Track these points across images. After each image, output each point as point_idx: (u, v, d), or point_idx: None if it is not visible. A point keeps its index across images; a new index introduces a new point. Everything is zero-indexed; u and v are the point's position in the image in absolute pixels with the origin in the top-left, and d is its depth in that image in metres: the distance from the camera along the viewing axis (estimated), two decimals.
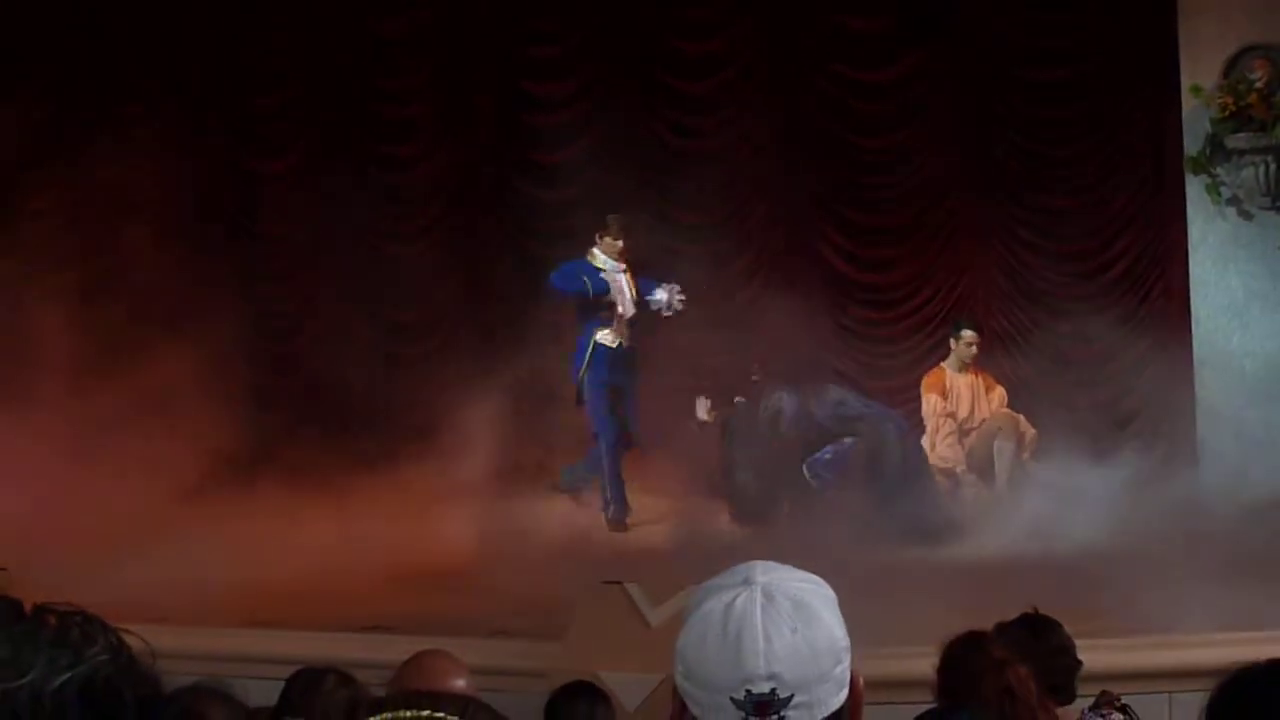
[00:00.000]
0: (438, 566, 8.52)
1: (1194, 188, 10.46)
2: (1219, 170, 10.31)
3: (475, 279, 12.03)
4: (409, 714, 1.43)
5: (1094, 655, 4.40)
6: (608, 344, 10.18)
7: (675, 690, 1.73)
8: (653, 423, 10.36)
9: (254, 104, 12.54)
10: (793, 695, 1.65)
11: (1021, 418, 10.50)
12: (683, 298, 10.12)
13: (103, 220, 11.59)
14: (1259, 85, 10.11)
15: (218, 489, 10.06)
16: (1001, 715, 3.45)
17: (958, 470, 10.29)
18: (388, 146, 12.46)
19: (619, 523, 10.00)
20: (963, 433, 10.50)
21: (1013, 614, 4.24)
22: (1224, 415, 10.27)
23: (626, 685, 5.28)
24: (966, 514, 9.62)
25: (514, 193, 12.01)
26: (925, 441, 10.33)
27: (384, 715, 1.43)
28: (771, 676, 1.64)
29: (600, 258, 10.25)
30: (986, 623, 4.04)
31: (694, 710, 1.70)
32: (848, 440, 9.42)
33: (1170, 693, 5.84)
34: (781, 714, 1.65)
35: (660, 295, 10.12)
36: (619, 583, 6.22)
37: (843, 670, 1.69)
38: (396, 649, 4.47)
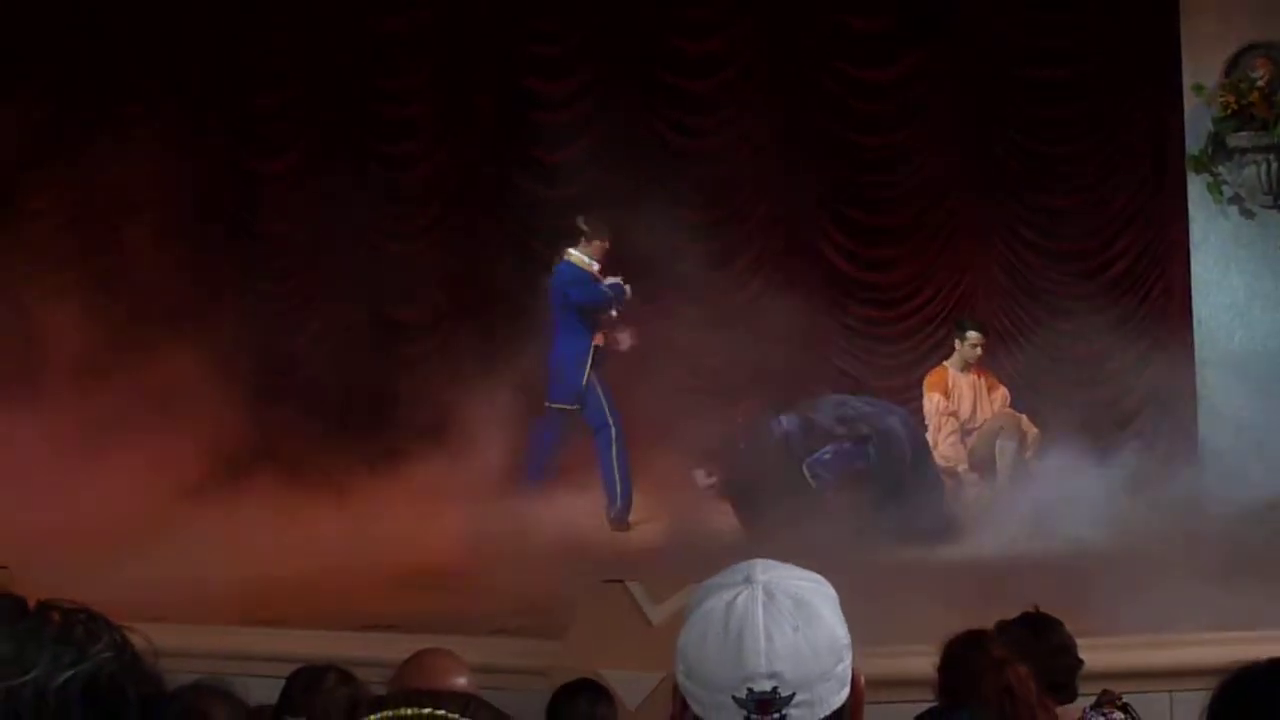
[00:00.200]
0: (438, 565, 8.52)
1: (1195, 187, 10.46)
2: (1221, 169, 10.31)
3: (476, 278, 12.02)
4: (410, 712, 1.43)
5: (1095, 654, 4.40)
6: (599, 345, 10.21)
7: (676, 689, 1.73)
8: (653, 422, 10.35)
9: (254, 103, 12.53)
10: (794, 693, 1.64)
11: (1024, 417, 10.50)
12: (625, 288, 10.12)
13: (103, 220, 11.60)
14: (1260, 84, 10.11)
15: (217, 487, 10.06)
16: (1001, 714, 3.45)
17: (959, 469, 10.29)
18: (388, 145, 12.46)
19: (623, 522, 9.99)
20: (964, 432, 10.51)
21: (1014, 612, 4.24)
22: (1225, 414, 10.27)
23: (628, 683, 5.28)
24: (968, 513, 9.62)
25: (515, 192, 12.01)
26: (928, 440, 10.33)
27: (385, 713, 1.43)
28: (773, 675, 1.64)
29: (585, 260, 10.24)
30: (987, 621, 4.04)
31: (695, 709, 1.70)
32: (847, 443, 9.39)
33: (1171, 692, 5.83)
34: (783, 712, 1.65)
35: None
36: (620, 581, 6.22)
37: (844, 668, 1.69)
38: (397, 647, 4.47)
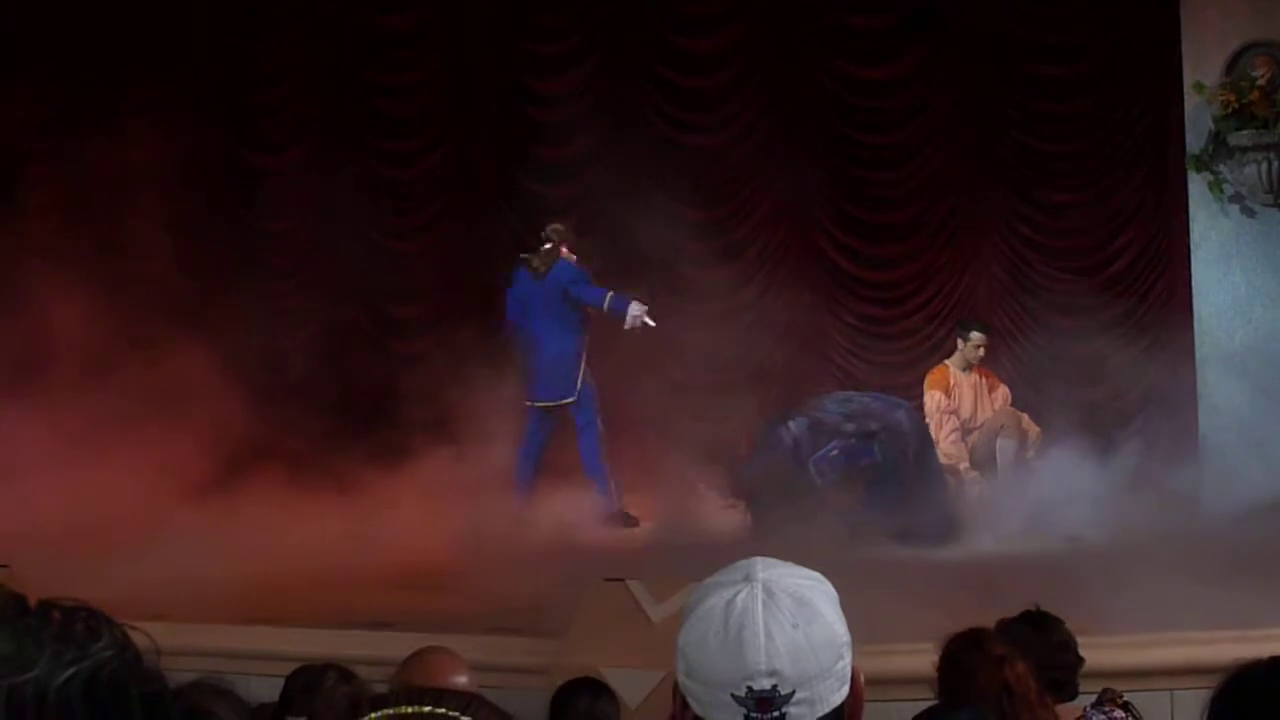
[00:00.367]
0: (439, 563, 8.52)
1: (1196, 185, 10.45)
2: (1221, 167, 10.30)
3: (476, 275, 12.02)
4: (411, 710, 1.42)
5: (1096, 652, 4.41)
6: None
7: (676, 688, 1.73)
8: (652, 420, 10.35)
9: (255, 99, 12.54)
10: (794, 692, 1.64)
11: (1025, 416, 10.51)
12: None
13: (104, 216, 11.59)
14: (1261, 82, 10.10)
15: (217, 486, 10.05)
16: (999, 711, 3.45)
17: (961, 467, 10.29)
18: (389, 142, 12.47)
19: (618, 512, 9.96)
20: (965, 431, 10.50)
21: (1014, 611, 4.24)
22: (1226, 413, 10.27)
23: (628, 682, 5.28)
24: (969, 511, 9.61)
25: (515, 189, 12.01)
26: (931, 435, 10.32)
27: (386, 712, 1.43)
28: (773, 673, 1.64)
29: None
30: (987, 619, 4.04)
31: (695, 708, 1.70)
32: (854, 440, 9.36)
33: (1172, 690, 5.84)
34: (783, 710, 1.65)
35: None
36: (621, 580, 6.22)
37: (844, 666, 1.69)
38: (397, 646, 4.47)
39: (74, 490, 9.29)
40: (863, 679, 1.72)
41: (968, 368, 10.60)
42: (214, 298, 11.40)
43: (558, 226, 10.28)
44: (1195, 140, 10.37)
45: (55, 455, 9.70)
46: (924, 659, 3.88)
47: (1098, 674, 4.38)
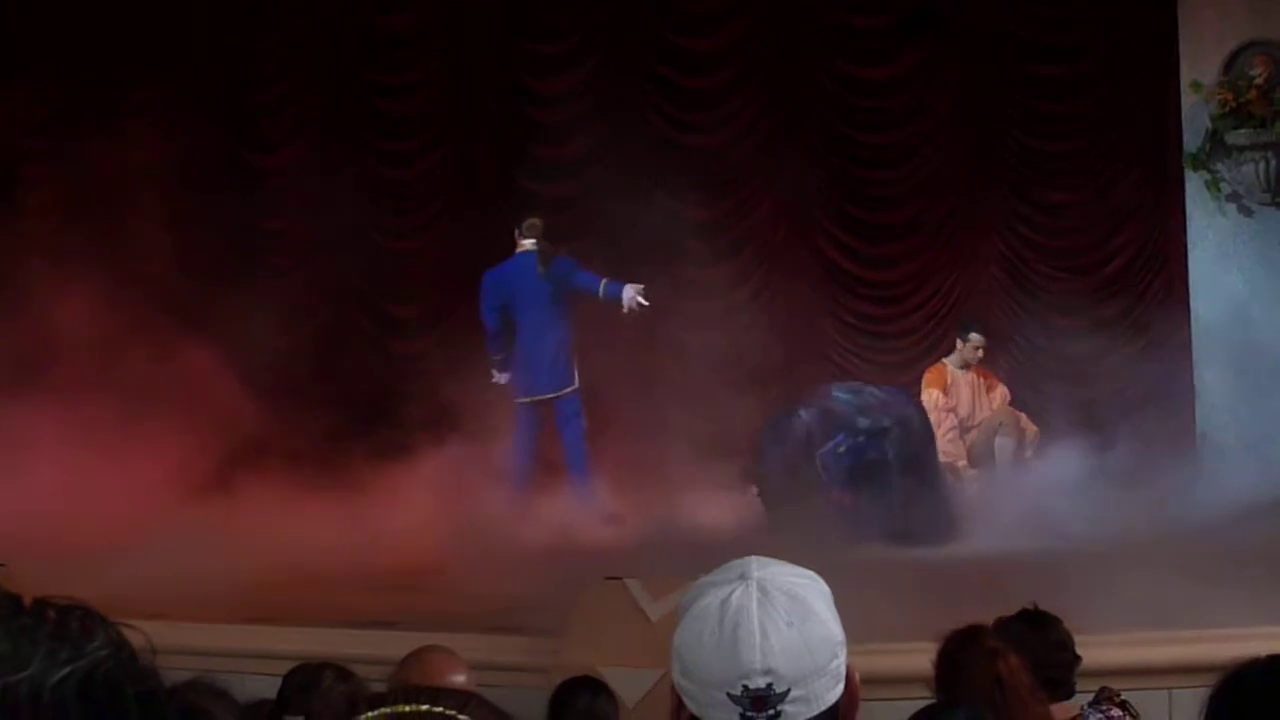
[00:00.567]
0: (437, 562, 8.51)
1: (1194, 184, 10.46)
2: (1219, 166, 10.31)
3: (476, 274, 12.00)
4: (409, 709, 1.42)
5: (1093, 651, 4.41)
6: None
7: (673, 687, 1.73)
8: (650, 419, 10.35)
9: (255, 99, 12.54)
10: (789, 690, 1.65)
11: (1023, 415, 10.51)
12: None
13: (103, 215, 11.60)
14: (1259, 81, 10.11)
15: (215, 484, 10.07)
16: (991, 704, 3.45)
17: (958, 465, 10.30)
18: (389, 142, 12.46)
19: (602, 509, 9.89)
20: (963, 430, 10.51)
21: (1012, 609, 4.24)
22: (1223, 411, 10.29)
23: (626, 681, 5.28)
24: (967, 510, 9.62)
25: (515, 188, 12.00)
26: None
27: (383, 710, 1.43)
28: (768, 671, 1.64)
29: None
30: (985, 618, 4.04)
31: (691, 707, 1.70)
32: (863, 436, 9.31)
33: (1170, 689, 5.84)
34: (778, 709, 1.65)
35: None
36: (619, 578, 6.22)
37: (838, 664, 1.69)
38: (395, 645, 4.47)
39: (73, 489, 9.30)
40: (857, 677, 1.72)
41: (965, 367, 10.60)
42: (214, 297, 11.39)
43: (535, 221, 10.19)
44: (1193, 139, 10.38)
45: (54, 454, 9.70)
46: (921, 658, 3.88)
47: (1095, 672, 4.38)
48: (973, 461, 10.38)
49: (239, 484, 10.01)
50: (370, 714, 1.42)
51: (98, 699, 1.15)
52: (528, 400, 10.15)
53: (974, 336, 10.57)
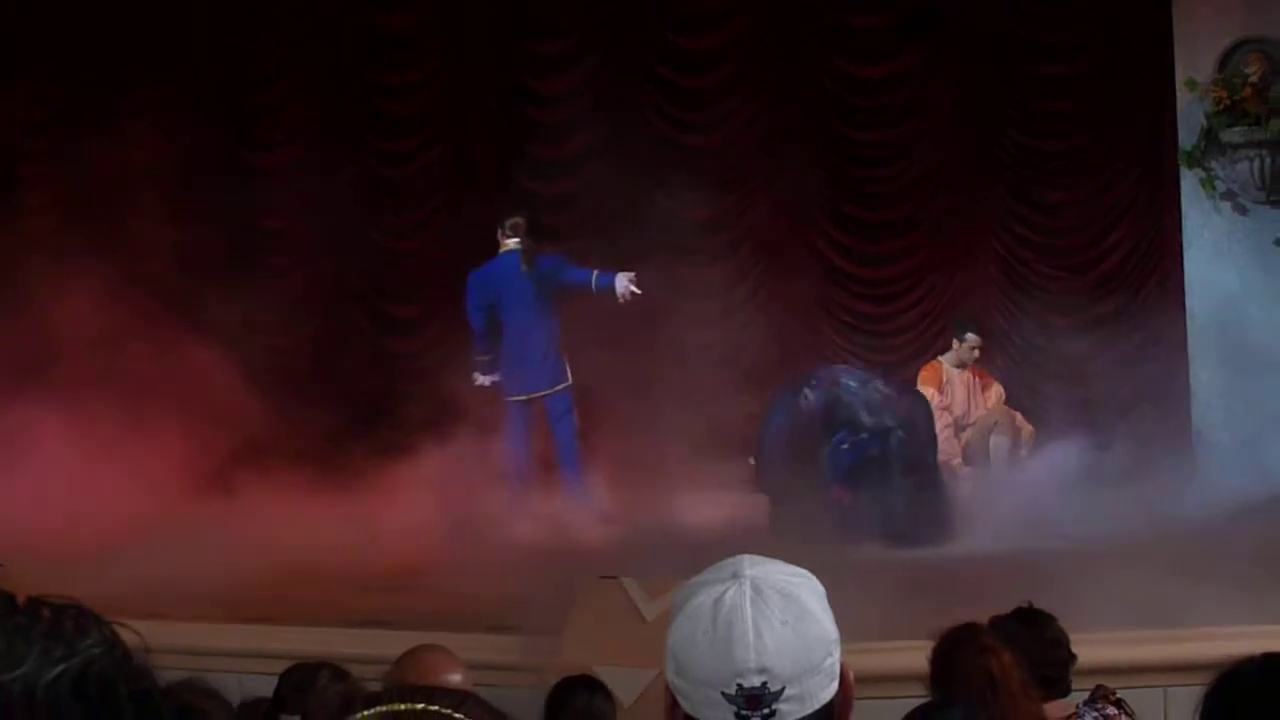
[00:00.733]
0: (434, 561, 8.51)
1: (1189, 182, 10.46)
2: (1214, 164, 10.31)
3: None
4: (404, 708, 1.42)
5: (1089, 649, 4.41)
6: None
7: (668, 687, 1.73)
8: (648, 418, 10.35)
9: (254, 98, 12.54)
10: (784, 688, 1.65)
11: (1018, 414, 10.51)
12: None
13: (103, 215, 11.60)
14: (1253, 79, 10.10)
15: (212, 484, 10.06)
16: (983, 701, 3.46)
17: (954, 463, 10.30)
18: (388, 141, 12.46)
19: (598, 509, 9.87)
20: (958, 428, 10.52)
21: (1007, 607, 4.24)
22: (1218, 410, 10.29)
23: (623, 680, 5.28)
24: (962, 509, 9.62)
25: (513, 188, 12.00)
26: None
27: (379, 709, 1.43)
28: (762, 670, 1.64)
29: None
30: (981, 616, 4.05)
31: (685, 706, 1.70)
32: (866, 434, 9.26)
33: (1165, 687, 5.85)
34: (773, 707, 1.65)
35: None
36: (615, 577, 6.22)
37: (832, 663, 1.69)
38: (392, 644, 4.47)
39: (71, 489, 9.30)
40: (851, 675, 1.73)
41: (961, 366, 10.61)
42: (213, 296, 11.39)
43: (518, 220, 10.13)
44: (1188, 137, 10.38)
45: (53, 453, 9.70)
46: (916, 656, 3.88)
47: (1090, 671, 4.39)
48: (967, 460, 10.39)
49: (237, 483, 10.01)
50: (366, 713, 1.42)
51: (91, 697, 1.15)
52: (521, 399, 10.12)
53: (970, 337, 10.57)
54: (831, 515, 8.96)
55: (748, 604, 1.66)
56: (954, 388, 10.56)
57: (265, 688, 4.09)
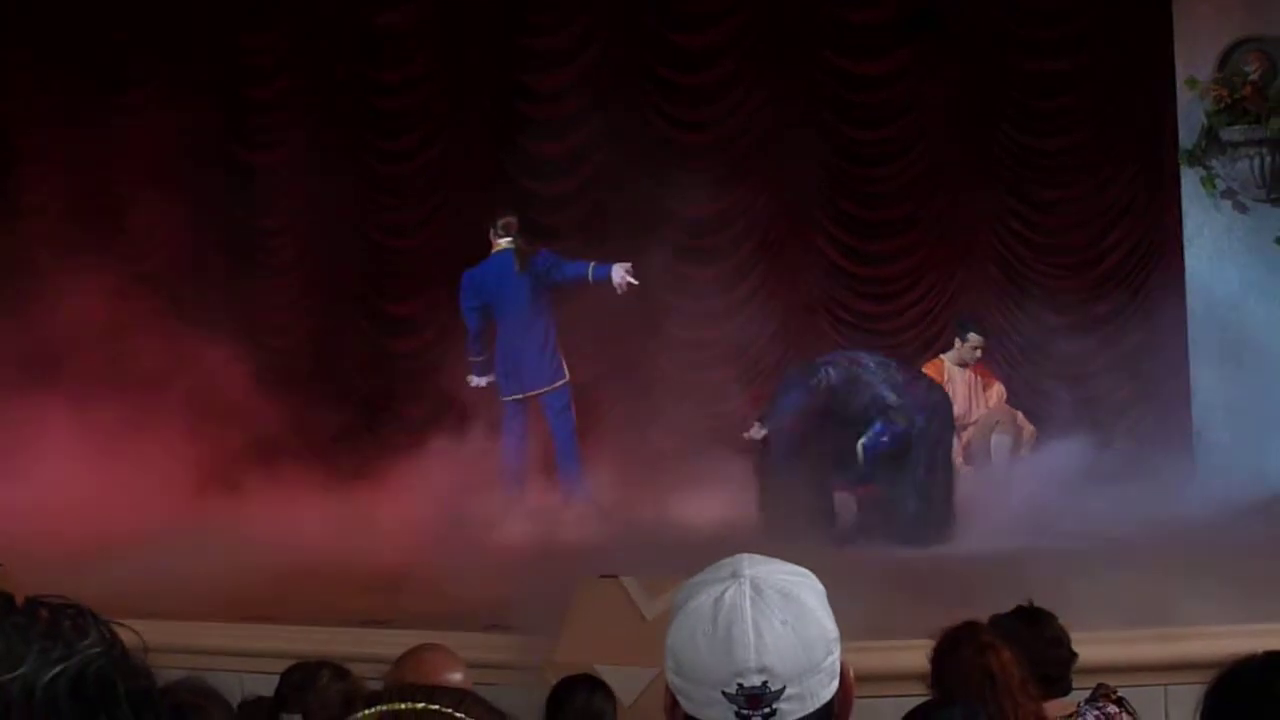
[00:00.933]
0: (434, 561, 8.51)
1: (1189, 180, 10.46)
2: (1214, 163, 10.30)
3: None
4: (405, 707, 1.42)
5: (1090, 648, 4.41)
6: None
7: (668, 687, 1.73)
8: (646, 417, 10.35)
9: (253, 96, 12.54)
10: (784, 687, 1.65)
11: (1019, 413, 10.51)
12: None
13: (100, 213, 11.61)
14: (1253, 78, 10.10)
15: (211, 483, 10.07)
16: (981, 698, 3.46)
17: (955, 462, 10.28)
18: (386, 139, 12.45)
19: (595, 507, 9.84)
20: (960, 426, 10.50)
21: (1008, 606, 4.24)
22: (1220, 408, 10.28)
23: (622, 679, 5.28)
24: (963, 507, 9.61)
25: (511, 185, 12.00)
26: None
27: (380, 708, 1.43)
28: (762, 669, 1.64)
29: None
30: (981, 615, 4.05)
31: (685, 706, 1.70)
32: (899, 423, 9.14)
33: (1166, 685, 5.85)
34: (773, 706, 1.65)
35: None
36: (614, 576, 6.22)
37: (833, 661, 1.69)
38: (392, 643, 4.47)
39: (70, 489, 9.30)
40: (851, 674, 1.72)
41: (963, 365, 10.60)
42: (210, 295, 11.40)
43: (510, 219, 10.08)
44: (1188, 136, 10.37)
45: (51, 453, 9.70)
46: (916, 655, 3.88)
47: (1091, 669, 4.39)
48: (969, 459, 10.38)
49: (236, 482, 10.02)
50: (367, 712, 1.42)
51: (90, 697, 1.15)
52: (517, 398, 10.08)
53: (972, 336, 10.56)
54: (835, 513, 8.96)
55: (748, 603, 1.66)
56: (955, 386, 10.55)
57: (266, 687, 4.09)
